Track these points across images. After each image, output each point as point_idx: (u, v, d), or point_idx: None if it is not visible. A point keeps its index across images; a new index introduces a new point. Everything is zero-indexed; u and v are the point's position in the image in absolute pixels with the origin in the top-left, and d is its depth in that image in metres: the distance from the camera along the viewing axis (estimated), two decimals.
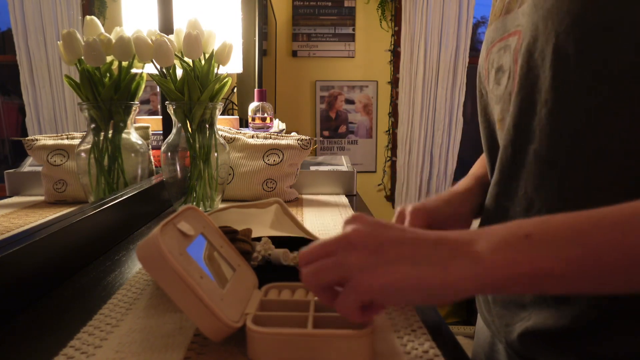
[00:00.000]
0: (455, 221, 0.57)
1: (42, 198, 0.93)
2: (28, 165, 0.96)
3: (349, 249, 0.37)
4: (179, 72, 0.89)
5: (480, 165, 0.68)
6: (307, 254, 0.39)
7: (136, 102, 0.93)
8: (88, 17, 0.87)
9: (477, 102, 0.62)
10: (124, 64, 0.89)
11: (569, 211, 0.34)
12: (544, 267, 0.32)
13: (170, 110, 0.90)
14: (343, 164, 1.38)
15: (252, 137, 1.20)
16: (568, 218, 0.33)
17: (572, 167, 0.44)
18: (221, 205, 0.99)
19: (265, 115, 1.56)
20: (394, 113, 3.37)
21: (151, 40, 0.85)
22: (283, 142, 1.16)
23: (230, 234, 0.56)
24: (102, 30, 0.87)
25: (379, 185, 3.48)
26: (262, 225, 0.69)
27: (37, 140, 0.93)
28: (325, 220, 0.97)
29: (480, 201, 0.60)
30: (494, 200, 0.54)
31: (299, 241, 0.63)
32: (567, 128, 0.44)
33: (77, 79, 0.87)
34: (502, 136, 0.53)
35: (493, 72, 0.54)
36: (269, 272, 0.54)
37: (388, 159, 3.44)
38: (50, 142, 0.94)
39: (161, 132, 1.17)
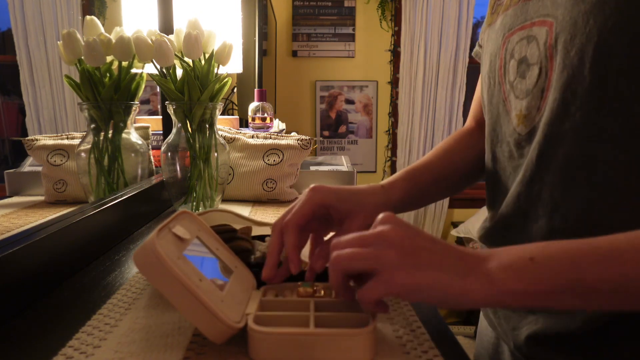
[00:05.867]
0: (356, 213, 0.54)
1: (42, 198, 0.93)
2: (28, 165, 0.96)
3: (386, 246, 0.39)
4: (179, 72, 0.89)
5: (434, 154, 0.67)
6: (343, 241, 0.41)
7: (136, 102, 0.93)
8: (88, 17, 0.87)
9: (481, 89, 0.60)
10: (124, 64, 0.89)
11: (595, 217, 0.37)
12: (544, 287, 0.36)
13: (170, 110, 0.90)
14: (343, 164, 1.38)
15: (252, 137, 1.20)
16: (568, 245, 0.38)
17: (606, 174, 0.42)
18: (220, 206, 0.99)
19: (265, 115, 1.56)
20: (394, 113, 3.37)
21: (151, 40, 0.85)
22: (283, 142, 1.16)
23: (229, 233, 0.56)
24: (102, 30, 0.87)
25: None
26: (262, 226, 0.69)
27: (37, 140, 0.93)
28: None
29: (404, 195, 0.60)
30: (516, 199, 0.52)
31: None
32: (605, 134, 0.42)
33: (77, 79, 0.86)
34: (520, 131, 0.51)
35: (514, 63, 0.51)
36: None
37: (388, 159, 3.44)
38: (50, 142, 0.94)
39: (161, 132, 1.17)
